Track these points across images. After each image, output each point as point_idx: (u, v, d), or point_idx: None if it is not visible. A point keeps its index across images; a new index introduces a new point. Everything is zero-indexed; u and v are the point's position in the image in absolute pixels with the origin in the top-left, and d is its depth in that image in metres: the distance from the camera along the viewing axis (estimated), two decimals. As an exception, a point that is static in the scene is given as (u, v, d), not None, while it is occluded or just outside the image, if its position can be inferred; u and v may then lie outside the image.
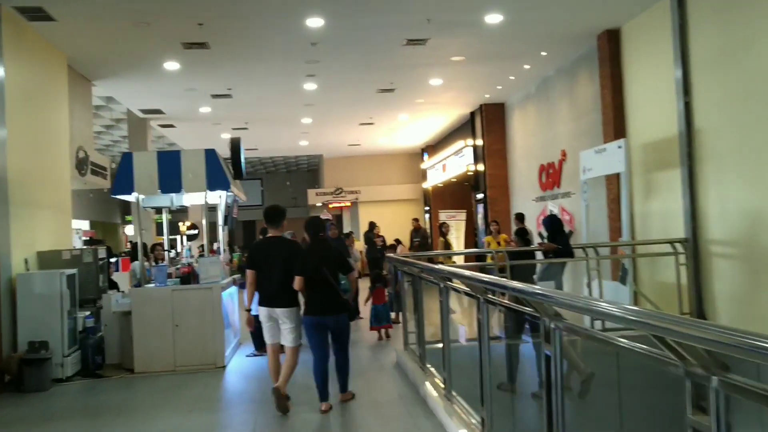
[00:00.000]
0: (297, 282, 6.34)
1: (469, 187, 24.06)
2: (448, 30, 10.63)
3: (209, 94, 14.28)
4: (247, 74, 12.93)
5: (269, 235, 6.79)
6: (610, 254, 10.09)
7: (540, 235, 12.72)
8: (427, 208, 24.61)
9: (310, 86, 13.97)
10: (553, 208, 14.06)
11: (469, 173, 18.65)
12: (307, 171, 35.79)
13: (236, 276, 10.08)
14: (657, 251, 9.47)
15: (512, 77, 14.20)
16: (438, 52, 11.82)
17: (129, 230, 31.08)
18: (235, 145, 10.12)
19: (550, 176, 14.14)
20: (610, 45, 11.03)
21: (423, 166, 24.38)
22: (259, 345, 9.78)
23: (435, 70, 13.22)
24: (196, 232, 23.62)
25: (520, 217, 13.56)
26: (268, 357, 6.84)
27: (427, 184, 24.09)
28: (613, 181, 10.99)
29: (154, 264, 10.05)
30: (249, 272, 6.64)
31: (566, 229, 13.03)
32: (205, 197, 9.10)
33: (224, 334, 9.02)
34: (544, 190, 14.54)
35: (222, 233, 10.55)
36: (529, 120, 15.35)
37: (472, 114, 18.01)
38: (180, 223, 24.70)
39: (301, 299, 6.57)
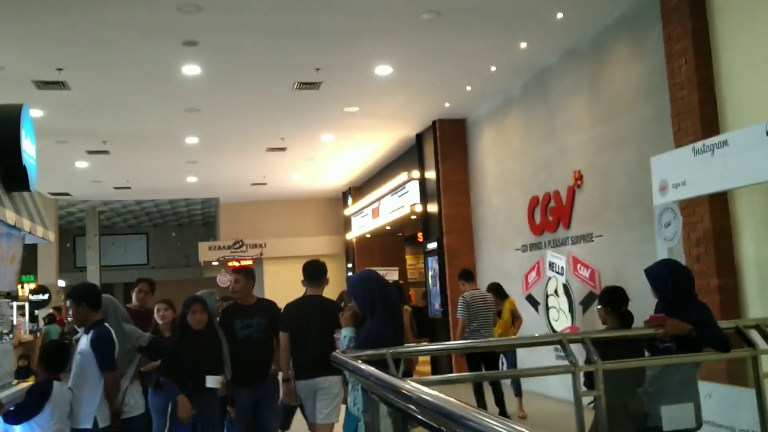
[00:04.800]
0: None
1: (403, 238, 19.50)
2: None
3: (29, 79, 9.07)
4: (83, 37, 7.87)
5: (308, 293, 5.93)
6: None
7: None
8: (350, 264, 19.70)
9: (191, 69, 9.01)
10: (556, 259, 9.47)
11: (413, 216, 13.95)
12: (202, 224, 30.29)
13: (20, 388, 4.88)
14: None
15: (494, 68, 9.71)
16: (401, -2, 7.20)
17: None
18: (8, 117, 4.97)
19: (552, 212, 9.59)
20: (689, -15, 6.71)
21: (347, 212, 19.53)
22: None
23: (387, 44, 8.57)
24: (45, 297, 17.81)
25: (467, 276, 8.87)
26: None
27: (352, 235, 19.23)
28: (700, 205, 6.50)
29: None
30: (283, 335, 5.75)
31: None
32: None
33: None
34: (539, 234, 9.96)
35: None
36: (511, 135, 10.87)
37: (419, 137, 13.43)
38: (20, 286, 18.74)
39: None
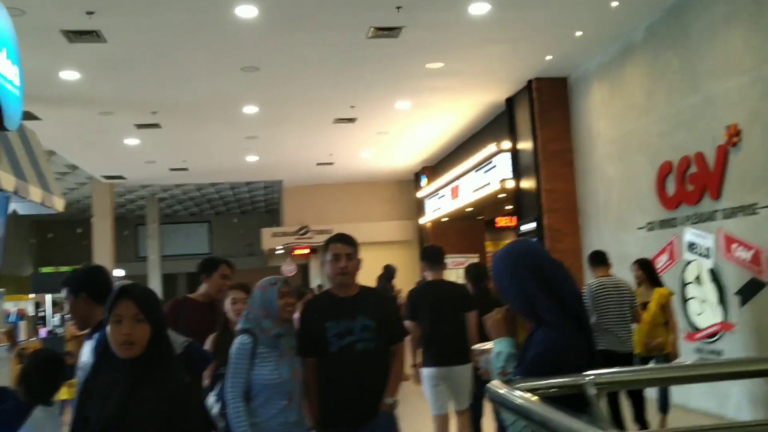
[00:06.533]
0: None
1: (483, 221, 17.68)
2: None
3: (58, 28, 7.63)
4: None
5: (430, 278, 5.89)
6: None
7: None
8: (424, 252, 17.95)
9: (246, 10, 7.41)
10: (699, 238, 7.55)
11: (502, 194, 12.14)
12: (265, 212, 29.05)
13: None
14: None
15: (615, 3, 7.83)
16: None
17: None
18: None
19: (693, 180, 7.65)
20: None
21: (420, 194, 17.81)
22: None
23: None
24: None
25: (596, 258, 6.97)
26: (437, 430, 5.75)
27: (425, 220, 17.52)
28: None
29: None
30: (411, 324, 5.59)
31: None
32: None
33: None
34: (674, 208, 8.04)
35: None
36: (631, 90, 8.93)
37: (510, 102, 11.61)
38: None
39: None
